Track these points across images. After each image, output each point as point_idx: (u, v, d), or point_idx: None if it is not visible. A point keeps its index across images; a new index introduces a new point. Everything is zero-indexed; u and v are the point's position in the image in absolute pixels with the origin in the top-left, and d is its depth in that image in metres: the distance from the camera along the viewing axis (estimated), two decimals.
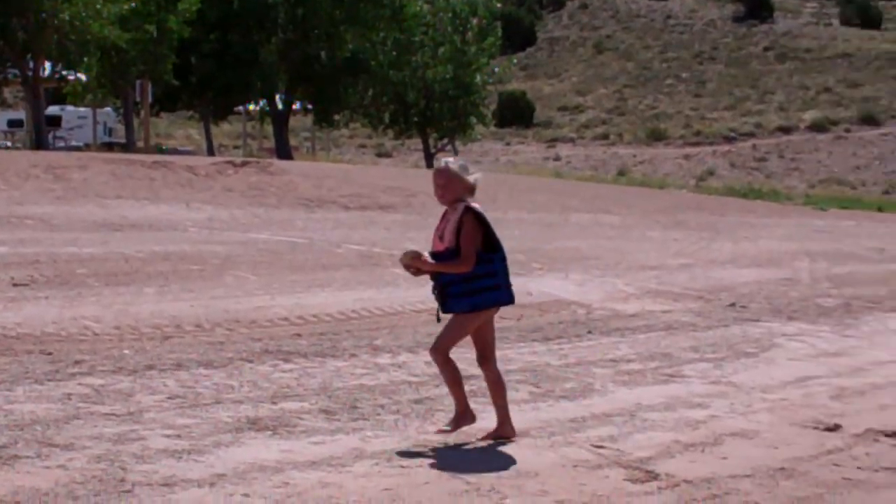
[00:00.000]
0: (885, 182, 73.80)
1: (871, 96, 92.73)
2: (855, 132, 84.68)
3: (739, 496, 7.11)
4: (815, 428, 8.95)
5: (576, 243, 23.63)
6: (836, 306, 16.47)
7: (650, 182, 57.87)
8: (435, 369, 9.76)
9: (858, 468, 7.97)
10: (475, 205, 7.77)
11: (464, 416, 8.01)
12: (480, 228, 7.69)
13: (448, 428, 8.04)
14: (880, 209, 49.88)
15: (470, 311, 7.74)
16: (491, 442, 7.96)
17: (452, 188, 7.81)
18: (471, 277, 7.66)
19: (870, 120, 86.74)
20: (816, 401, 9.95)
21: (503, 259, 7.85)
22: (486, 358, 7.99)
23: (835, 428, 8.98)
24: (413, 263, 7.74)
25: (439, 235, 7.87)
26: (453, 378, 7.93)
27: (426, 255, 7.74)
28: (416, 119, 57.70)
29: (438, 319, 7.94)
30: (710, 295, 16.93)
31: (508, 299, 7.90)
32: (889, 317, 15.73)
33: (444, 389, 9.31)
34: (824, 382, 10.79)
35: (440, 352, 7.83)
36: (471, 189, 7.84)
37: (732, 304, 15.96)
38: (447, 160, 8.17)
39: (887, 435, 8.87)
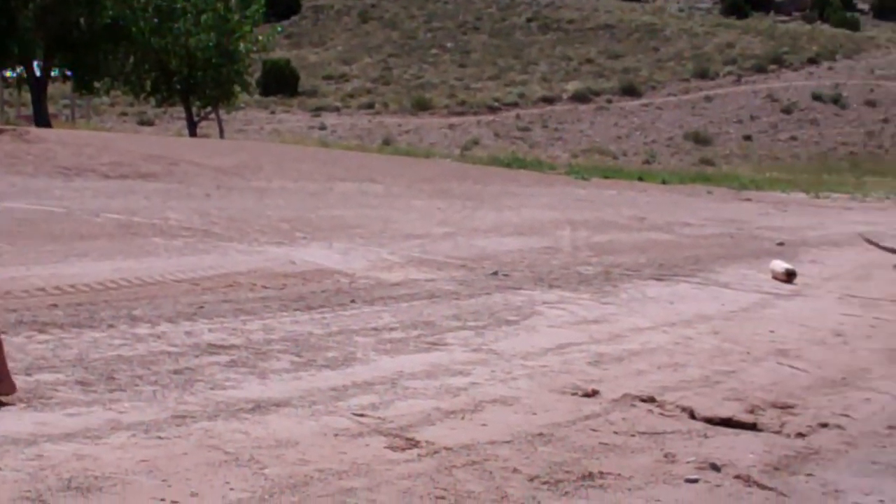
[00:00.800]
0: (645, 152, 75.47)
1: (631, 67, 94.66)
2: (616, 103, 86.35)
3: (498, 462, 7.17)
4: (574, 394, 9.09)
5: (340, 212, 23.54)
6: (596, 274, 16.74)
7: (415, 151, 58.05)
8: (196, 339, 9.62)
9: (615, 433, 8.12)
10: None
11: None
12: None
13: None
14: (641, 179, 50.87)
15: None
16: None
17: None
18: None
19: (631, 91, 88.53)
20: (575, 367, 10.10)
21: None
22: None
23: (593, 394, 9.13)
24: None
25: None
26: None
27: None
28: (178, 87, 56.67)
29: None
30: (474, 263, 17.03)
31: None
32: (647, 284, 16.06)
33: (206, 359, 9.20)
34: (583, 349, 10.96)
35: None
36: None
37: (495, 273, 16.08)
38: None
39: (643, 400, 9.06)
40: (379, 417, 7.96)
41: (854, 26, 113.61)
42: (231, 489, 6.44)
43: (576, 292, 14.75)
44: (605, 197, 36.04)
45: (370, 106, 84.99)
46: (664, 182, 49.70)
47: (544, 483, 6.97)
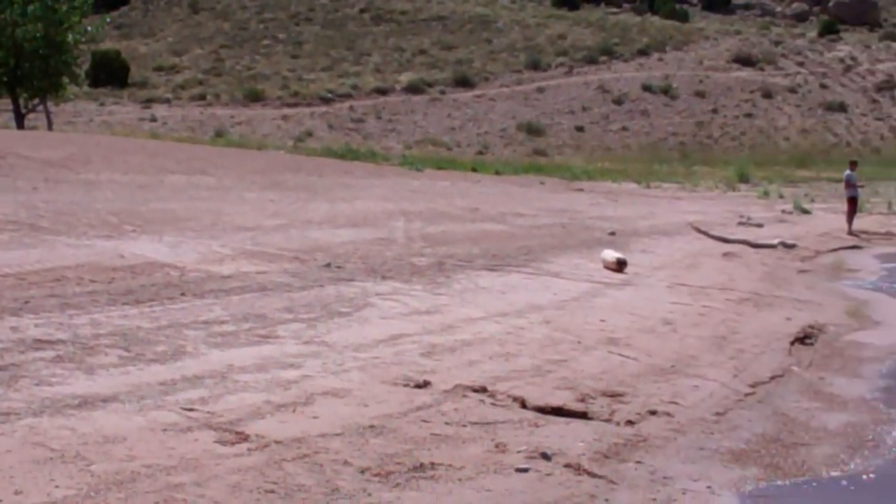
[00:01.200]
0: (478, 143, 75.89)
1: (464, 59, 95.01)
2: (450, 94, 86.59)
3: (329, 455, 7.12)
4: (406, 385, 9.07)
5: (171, 205, 23.21)
6: (429, 265, 16.76)
7: (248, 143, 57.55)
8: (21, 334, 9.40)
9: (446, 424, 8.12)
10: None
11: None
12: None
13: None
14: (475, 169, 51.15)
15: None
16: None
17: None
18: None
19: (464, 82, 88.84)
20: (407, 358, 10.08)
21: None
22: None
23: (424, 385, 9.13)
24: None
25: None
26: None
27: None
28: (5, 79, 55.42)
29: None
30: (306, 255, 16.92)
31: None
32: (480, 275, 16.12)
33: (31, 355, 8.99)
34: (416, 340, 10.95)
35: None
36: None
37: (328, 265, 16.00)
38: None
39: (475, 390, 9.08)
40: (208, 412, 7.86)
41: (683, 18, 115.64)
42: (56, 486, 6.30)
43: (409, 283, 14.73)
44: (439, 188, 36.15)
45: (202, 97, 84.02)
46: (497, 173, 50.03)
47: (375, 475, 6.94)
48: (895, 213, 37.28)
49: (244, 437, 7.32)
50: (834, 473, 8.28)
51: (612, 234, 24.16)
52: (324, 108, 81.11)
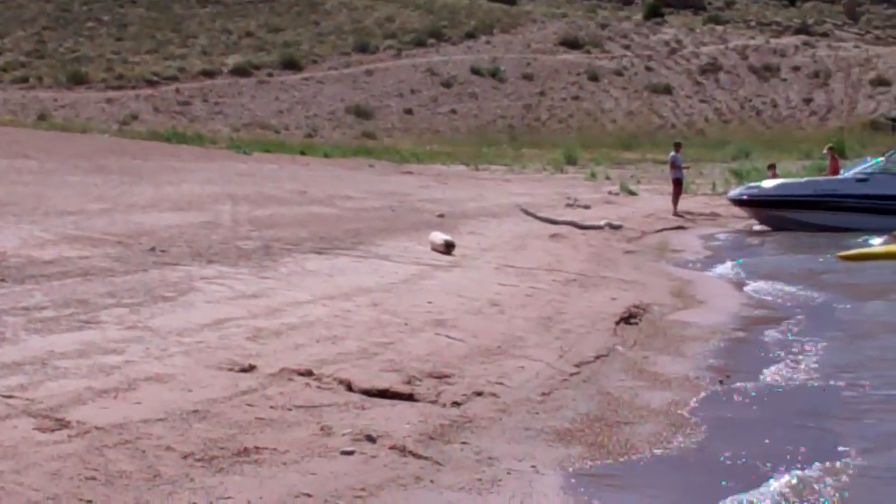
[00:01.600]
0: (307, 126, 75.66)
1: (291, 41, 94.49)
2: (277, 77, 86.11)
3: (151, 440, 7.03)
4: (231, 369, 8.98)
5: None
6: (255, 248, 16.63)
7: (72, 126, 56.55)
8: None
9: (272, 407, 8.07)
10: None
11: None
12: None
13: None
14: (303, 153, 51.01)
15: None
16: None
17: None
18: None
19: (291, 64, 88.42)
20: (233, 342, 9.98)
21: None
22: None
23: (250, 369, 9.05)
24: None
25: None
26: None
27: None
28: None
29: None
30: (130, 240, 16.67)
31: None
32: (307, 258, 16.05)
33: None
34: (241, 324, 10.84)
35: None
36: None
37: (152, 249, 15.77)
38: None
39: (301, 374, 9.03)
40: (28, 398, 7.69)
41: (511, 1, 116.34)
42: None
43: (235, 267, 14.59)
44: (267, 171, 35.97)
45: (24, 80, 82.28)
46: (326, 156, 49.97)
47: (198, 460, 6.86)
48: (720, 195, 38.03)
49: (65, 424, 7.18)
50: (657, 451, 8.40)
51: (441, 216, 24.26)
52: (149, 91, 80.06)
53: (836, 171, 33.29)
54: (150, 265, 14.29)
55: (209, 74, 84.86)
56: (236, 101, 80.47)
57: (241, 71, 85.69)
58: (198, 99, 79.63)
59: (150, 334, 10.03)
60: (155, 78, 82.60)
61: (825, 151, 36.22)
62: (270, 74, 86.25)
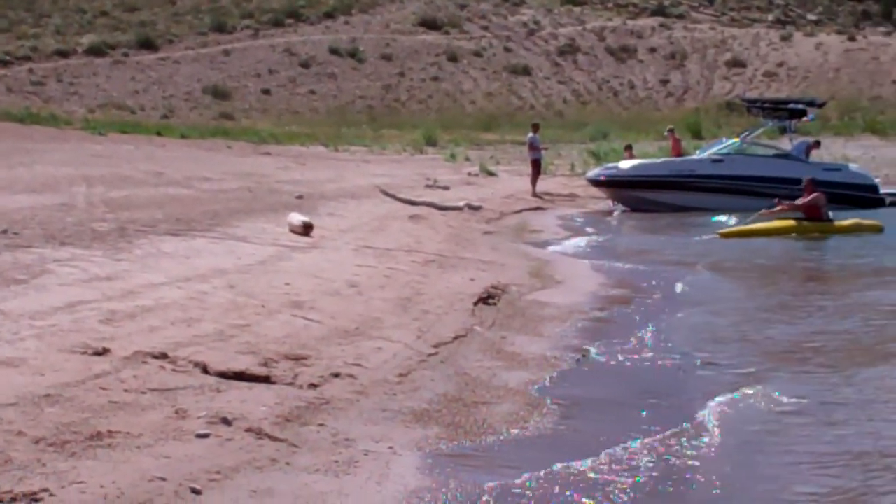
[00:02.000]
0: (164, 107, 74.82)
1: (147, 21, 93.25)
2: (133, 57, 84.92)
3: (2, 425, 6.91)
4: (84, 353, 8.86)
5: None
6: (110, 230, 16.38)
7: None
8: None
9: (125, 391, 7.98)
10: None
11: None
12: None
13: None
14: (160, 133, 50.48)
15: None
16: None
17: None
18: None
19: (147, 44, 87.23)
20: (86, 325, 9.84)
21: None
22: None
23: (103, 352, 8.94)
24: None
25: None
26: None
27: None
28: None
29: None
30: None
31: None
32: (163, 240, 15.86)
33: None
34: (95, 307, 10.69)
35: None
36: None
37: (4, 231, 15.46)
38: None
39: (155, 357, 8.95)
40: None
41: None
42: None
43: (89, 249, 14.37)
44: (123, 152, 35.51)
45: None
46: (183, 136, 49.50)
47: (50, 445, 6.77)
48: (578, 175, 38.40)
49: None
50: (514, 431, 8.47)
51: (300, 197, 24.16)
52: (2, 72, 78.47)
53: (678, 152, 33.97)
54: (2, 248, 13.99)
55: (63, 54, 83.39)
56: (91, 81, 79.24)
57: (96, 51, 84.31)
58: (52, 79, 78.27)
59: (1, 318, 9.85)
60: (7, 58, 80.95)
61: (666, 133, 36.97)
62: (126, 54, 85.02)
